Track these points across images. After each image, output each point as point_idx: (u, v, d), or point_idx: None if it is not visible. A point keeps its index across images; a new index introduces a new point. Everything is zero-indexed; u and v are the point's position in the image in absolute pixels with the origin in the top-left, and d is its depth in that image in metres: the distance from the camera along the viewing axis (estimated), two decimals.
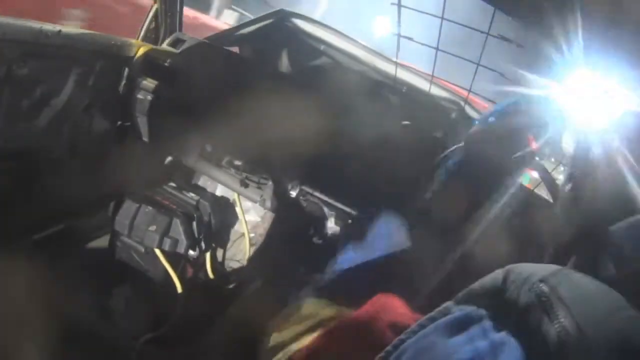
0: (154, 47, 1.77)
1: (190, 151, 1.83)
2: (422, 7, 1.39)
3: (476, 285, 0.55)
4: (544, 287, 0.46)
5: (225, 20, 5.80)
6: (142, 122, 1.73)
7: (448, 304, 0.53)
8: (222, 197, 2.18)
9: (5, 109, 1.31)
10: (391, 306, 0.60)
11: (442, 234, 1.42)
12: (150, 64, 1.66)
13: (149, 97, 1.65)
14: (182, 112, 1.69)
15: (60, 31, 1.37)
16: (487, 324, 0.49)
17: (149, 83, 1.65)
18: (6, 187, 1.42)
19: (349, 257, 1.70)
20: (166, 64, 1.66)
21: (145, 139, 1.77)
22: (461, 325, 0.49)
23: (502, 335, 0.46)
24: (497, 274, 0.52)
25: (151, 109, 1.67)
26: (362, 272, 1.74)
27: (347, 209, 1.75)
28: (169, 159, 2.00)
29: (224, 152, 1.81)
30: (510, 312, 0.48)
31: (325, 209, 1.79)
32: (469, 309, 0.51)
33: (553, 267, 0.50)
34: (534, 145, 1.92)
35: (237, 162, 1.83)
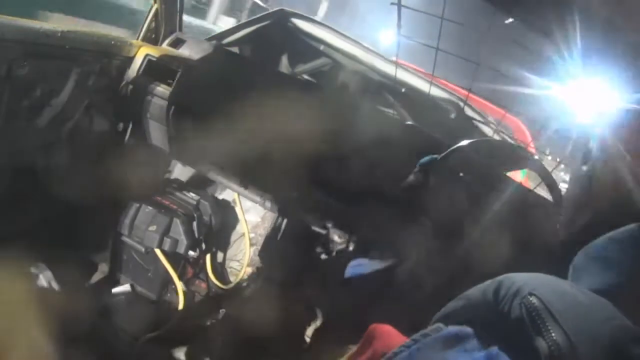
0: (163, 49, 1.77)
1: (192, 151, 1.83)
2: (422, 7, 1.39)
3: (466, 298, 0.54)
4: (534, 301, 0.45)
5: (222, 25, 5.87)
6: (154, 127, 1.74)
7: (439, 324, 0.53)
8: (222, 198, 2.18)
9: (6, 108, 1.30)
10: (383, 335, 0.60)
11: (440, 236, 1.42)
12: (167, 70, 1.67)
13: (165, 104, 1.65)
14: (184, 114, 1.69)
15: (60, 31, 1.37)
16: (479, 340, 0.48)
17: (164, 90, 1.65)
18: (6, 187, 1.42)
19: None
20: (183, 72, 1.66)
21: (163, 145, 1.78)
22: (455, 340, 0.49)
23: (495, 350, 0.46)
24: (488, 287, 0.51)
25: (166, 115, 1.68)
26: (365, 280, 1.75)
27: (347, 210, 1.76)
28: (171, 159, 2.01)
29: (224, 152, 1.81)
30: (502, 327, 0.48)
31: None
32: (460, 327, 0.51)
33: (544, 278, 0.49)
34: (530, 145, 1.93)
35: (238, 162, 1.83)
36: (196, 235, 1.87)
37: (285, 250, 2.15)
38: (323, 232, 1.82)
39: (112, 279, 1.86)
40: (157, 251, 1.77)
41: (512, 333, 0.46)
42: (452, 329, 0.51)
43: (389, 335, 0.60)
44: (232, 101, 1.60)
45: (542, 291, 0.46)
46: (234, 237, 2.24)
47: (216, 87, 1.69)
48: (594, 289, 0.50)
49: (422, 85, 2.21)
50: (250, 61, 2.16)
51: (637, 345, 0.42)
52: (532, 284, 0.47)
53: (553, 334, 0.42)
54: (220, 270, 2.15)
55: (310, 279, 2.05)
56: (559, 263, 0.62)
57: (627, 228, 0.54)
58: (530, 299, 0.45)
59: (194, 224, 1.88)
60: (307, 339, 1.87)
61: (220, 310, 1.94)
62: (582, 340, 0.42)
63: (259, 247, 2.17)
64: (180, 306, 1.76)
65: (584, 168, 0.83)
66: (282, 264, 2.12)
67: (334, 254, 2.06)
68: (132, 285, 1.86)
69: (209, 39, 2.09)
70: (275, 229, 2.14)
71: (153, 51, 1.70)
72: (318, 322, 1.88)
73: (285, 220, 2.12)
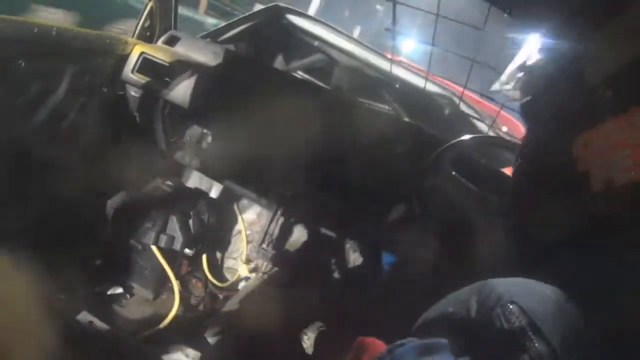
0: (159, 46, 1.77)
1: (188, 149, 1.82)
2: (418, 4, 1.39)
3: (446, 306, 0.53)
4: (515, 309, 0.43)
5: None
6: (149, 125, 1.74)
7: (413, 338, 0.52)
8: (219, 195, 2.18)
9: (1, 108, 1.30)
10: (370, 347, 0.60)
11: (439, 234, 1.43)
12: (162, 68, 1.67)
13: (160, 101, 1.65)
14: (180, 111, 1.68)
15: (54, 30, 1.36)
16: (453, 351, 0.47)
17: (160, 87, 1.65)
18: (3, 186, 1.41)
19: None
20: (178, 70, 1.66)
21: (158, 143, 1.78)
22: (428, 352, 0.48)
23: None
24: (467, 294, 0.49)
25: (161, 112, 1.68)
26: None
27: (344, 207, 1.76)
28: (166, 157, 2.00)
29: (220, 149, 1.81)
30: (483, 337, 0.46)
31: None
32: (434, 339, 0.50)
33: (525, 283, 0.47)
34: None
35: (233, 160, 1.83)
36: (192, 232, 1.87)
37: (283, 251, 2.16)
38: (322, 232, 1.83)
39: (109, 277, 1.85)
40: (154, 248, 1.77)
41: (494, 343, 0.45)
42: (426, 341, 0.50)
43: (374, 347, 0.60)
44: (228, 99, 1.60)
45: (522, 298, 0.44)
46: (230, 234, 2.24)
47: (212, 84, 1.69)
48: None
49: (417, 81, 2.21)
50: (246, 58, 2.16)
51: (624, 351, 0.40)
52: (512, 290, 0.45)
53: (536, 344, 0.41)
54: (216, 268, 2.15)
55: (309, 279, 2.06)
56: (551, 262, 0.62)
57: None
58: (511, 307, 0.44)
59: (190, 221, 1.88)
60: (306, 340, 1.87)
61: (217, 309, 1.94)
62: (568, 349, 0.40)
63: (256, 245, 2.18)
64: (176, 304, 1.76)
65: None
66: (281, 264, 2.13)
67: (333, 254, 2.07)
68: (128, 284, 1.86)
69: (204, 37, 2.08)
70: (272, 228, 2.15)
71: (148, 49, 1.69)
72: (317, 323, 1.88)
73: (282, 220, 2.13)
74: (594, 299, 0.45)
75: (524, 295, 0.45)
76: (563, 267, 0.53)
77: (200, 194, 2.06)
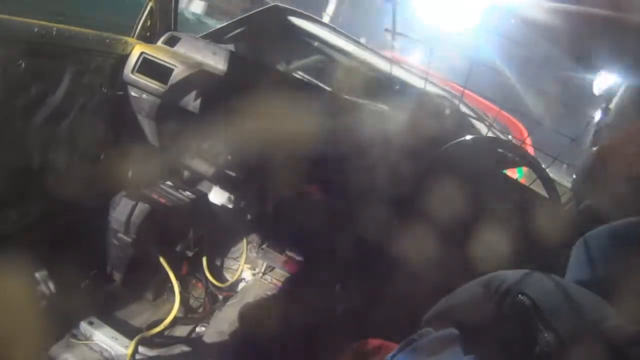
0: (159, 47, 1.77)
1: (187, 150, 1.82)
2: None
3: (455, 299, 0.54)
4: (525, 300, 0.44)
5: (194, 9, 6.05)
6: (149, 125, 1.74)
7: (428, 329, 0.52)
8: (218, 196, 2.18)
9: (2, 108, 1.30)
10: (377, 350, 0.60)
11: (440, 232, 1.43)
12: (162, 69, 1.67)
13: (160, 102, 1.65)
14: (180, 112, 1.68)
15: (54, 30, 1.36)
16: (464, 343, 0.48)
17: (160, 88, 1.65)
18: (3, 187, 1.41)
19: None
20: (179, 71, 1.67)
21: (157, 142, 1.78)
22: (440, 345, 0.48)
23: (480, 355, 0.45)
24: (477, 286, 0.50)
25: (161, 113, 1.68)
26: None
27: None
28: (166, 157, 2.00)
29: (220, 150, 1.81)
30: (492, 327, 0.47)
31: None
32: (447, 330, 0.50)
33: (534, 275, 0.48)
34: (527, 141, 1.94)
35: (233, 161, 1.83)
36: (192, 233, 1.87)
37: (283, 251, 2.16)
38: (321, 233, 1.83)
39: (108, 278, 1.85)
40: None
41: (503, 333, 0.45)
42: (439, 333, 0.50)
43: (384, 349, 0.60)
44: (228, 100, 1.60)
45: (532, 290, 0.45)
46: (230, 235, 2.24)
47: (212, 85, 1.68)
48: (587, 280, 0.50)
49: (417, 81, 2.21)
50: (247, 59, 2.16)
51: (632, 347, 0.41)
52: (522, 282, 0.46)
53: (545, 334, 0.42)
54: (216, 269, 2.15)
55: (309, 280, 2.05)
56: (557, 256, 0.62)
57: (627, 221, 0.53)
58: (521, 298, 0.44)
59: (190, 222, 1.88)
60: (306, 340, 1.87)
61: (217, 309, 1.94)
62: (575, 340, 0.41)
63: (256, 245, 2.18)
64: (177, 305, 1.76)
65: (594, 149, 0.84)
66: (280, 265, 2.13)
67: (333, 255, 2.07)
68: (128, 284, 1.85)
69: (204, 37, 2.08)
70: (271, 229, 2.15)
71: (148, 49, 1.69)
72: (317, 323, 1.88)
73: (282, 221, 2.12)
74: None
75: (534, 286, 0.46)
76: None
77: (200, 195, 2.06)
